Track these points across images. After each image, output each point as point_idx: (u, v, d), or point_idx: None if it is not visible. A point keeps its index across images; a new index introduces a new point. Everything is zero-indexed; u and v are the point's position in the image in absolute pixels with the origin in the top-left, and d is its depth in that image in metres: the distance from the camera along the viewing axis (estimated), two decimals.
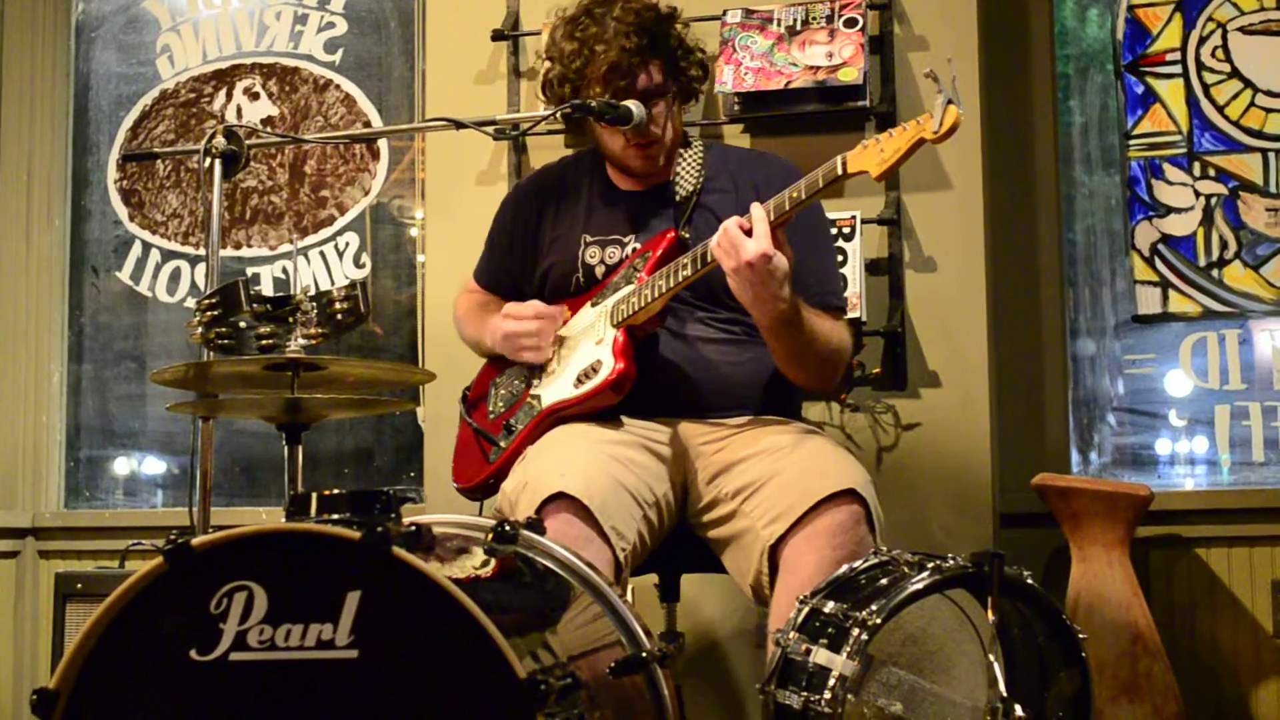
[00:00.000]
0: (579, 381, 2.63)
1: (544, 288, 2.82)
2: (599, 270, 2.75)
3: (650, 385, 2.62)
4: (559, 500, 2.39)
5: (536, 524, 2.18)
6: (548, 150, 3.54)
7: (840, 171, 2.37)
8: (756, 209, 2.42)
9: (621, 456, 2.52)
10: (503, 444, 2.72)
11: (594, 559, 2.21)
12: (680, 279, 2.55)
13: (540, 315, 2.74)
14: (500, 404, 2.80)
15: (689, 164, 2.79)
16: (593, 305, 2.71)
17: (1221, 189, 3.59)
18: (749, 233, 2.40)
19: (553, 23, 2.82)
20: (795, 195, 2.41)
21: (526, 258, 2.88)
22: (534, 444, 2.63)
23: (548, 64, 2.81)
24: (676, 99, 2.76)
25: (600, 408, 2.61)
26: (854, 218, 3.27)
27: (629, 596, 2.20)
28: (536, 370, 2.76)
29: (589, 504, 2.38)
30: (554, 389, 2.68)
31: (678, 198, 2.75)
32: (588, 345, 2.67)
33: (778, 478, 2.48)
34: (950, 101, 2.25)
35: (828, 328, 2.60)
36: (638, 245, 2.73)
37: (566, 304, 2.77)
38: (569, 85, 2.72)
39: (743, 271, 2.40)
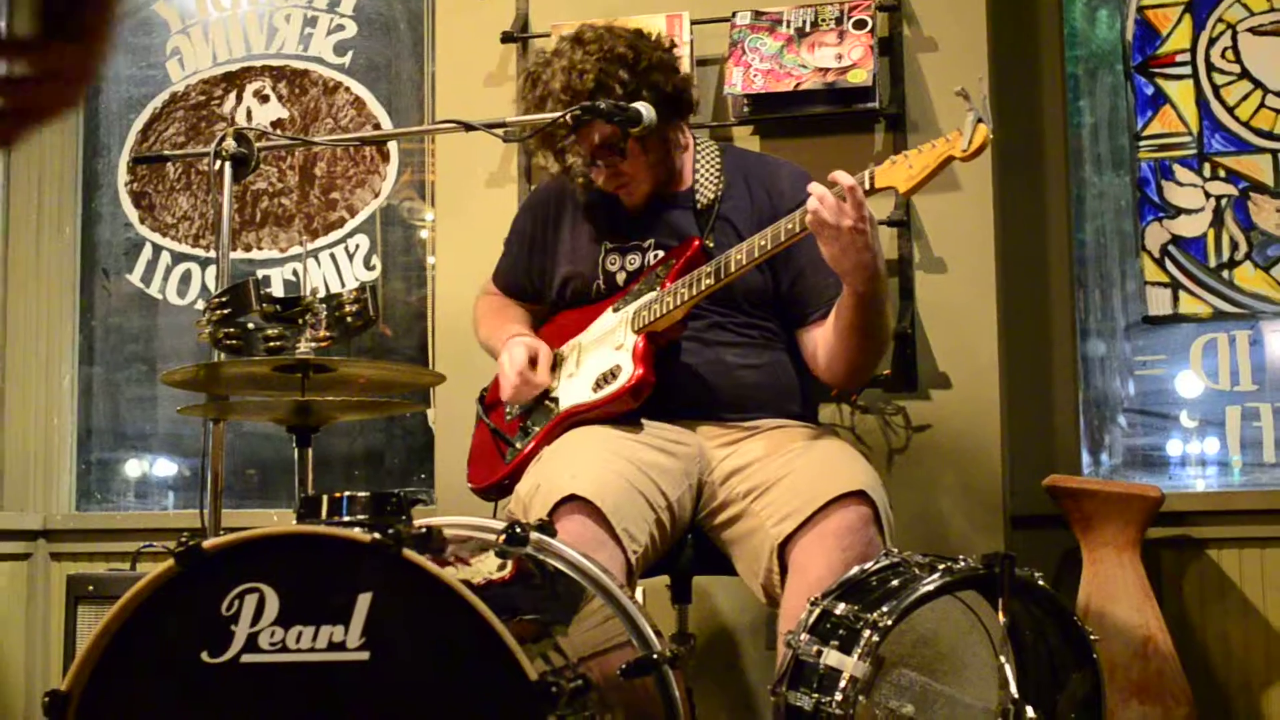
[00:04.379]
0: (598, 385, 2.63)
1: (564, 295, 2.83)
2: (620, 277, 2.76)
3: (668, 388, 2.63)
4: (571, 502, 2.40)
5: (547, 526, 2.18)
6: None
7: (867, 187, 2.37)
8: (844, 176, 2.36)
9: (636, 459, 2.52)
10: (519, 445, 2.72)
11: (607, 562, 2.21)
12: (703, 287, 2.55)
13: (524, 377, 2.71)
14: (517, 406, 2.80)
15: (707, 169, 2.78)
16: (614, 310, 2.71)
17: (1232, 190, 3.58)
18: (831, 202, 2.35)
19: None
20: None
21: (546, 263, 2.88)
22: (549, 446, 2.63)
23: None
24: (646, 135, 2.61)
25: (618, 413, 2.61)
26: None
27: (639, 598, 2.20)
28: (555, 373, 2.76)
29: (601, 506, 2.39)
30: (572, 392, 2.68)
31: (699, 205, 2.74)
32: (607, 350, 2.67)
33: (788, 478, 2.49)
34: (980, 120, 2.26)
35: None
36: (658, 251, 2.73)
37: (585, 310, 2.78)
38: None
39: (844, 236, 2.35)
